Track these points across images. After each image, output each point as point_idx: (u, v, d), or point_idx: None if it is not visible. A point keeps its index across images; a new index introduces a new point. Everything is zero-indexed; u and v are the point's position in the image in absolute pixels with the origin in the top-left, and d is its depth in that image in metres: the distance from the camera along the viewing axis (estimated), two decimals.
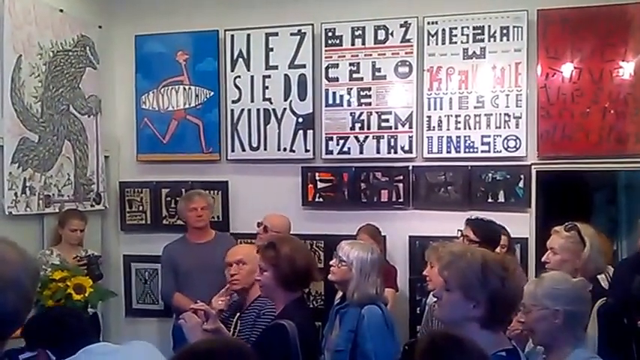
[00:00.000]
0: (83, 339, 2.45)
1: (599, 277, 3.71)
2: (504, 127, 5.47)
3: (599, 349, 3.01)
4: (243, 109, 6.02)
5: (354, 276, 3.67)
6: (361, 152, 5.76)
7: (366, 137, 5.74)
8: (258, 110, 5.98)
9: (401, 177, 5.67)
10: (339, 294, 4.04)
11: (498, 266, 2.30)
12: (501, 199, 5.47)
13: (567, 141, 5.35)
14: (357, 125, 5.76)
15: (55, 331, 2.49)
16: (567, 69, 5.35)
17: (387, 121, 5.69)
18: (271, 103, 5.95)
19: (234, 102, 6.04)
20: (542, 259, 3.66)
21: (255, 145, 6.00)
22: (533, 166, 5.43)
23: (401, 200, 5.67)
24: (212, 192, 5.97)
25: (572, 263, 3.48)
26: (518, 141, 5.43)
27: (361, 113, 5.75)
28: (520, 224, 5.31)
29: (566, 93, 5.35)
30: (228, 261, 3.93)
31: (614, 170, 6.00)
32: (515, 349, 2.35)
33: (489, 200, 5.48)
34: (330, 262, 3.86)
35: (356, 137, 5.76)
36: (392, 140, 5.69)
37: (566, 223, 3.63)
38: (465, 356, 1.90)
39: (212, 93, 6.09)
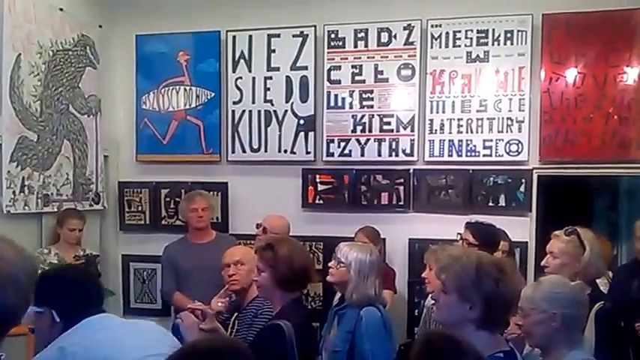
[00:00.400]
0: (91, 307, 2.46)
1: (598, 281, 3.70)
2: (507, 132, 5.45)
3: (596, 352, 3.01)
4: (244, 111, 6.00)
5: (352, 277, 3.64)
6: (362, 155, 5.74)
7: (368, 140, 5.72)
8: (259, 112, 5.96)
9: (402, 180, 5.65)
10: (338, 295, 4.01)
11: (493, 268, 2.31)
12: (502, 203, 5.45)
13: (569, 146, 5.33)
14: (359, 128, 5.74)
15: (66, 295, 2.47)
16: (571, 74, 5.33)
17: (388, 124, 5.67)
18: (272, 104, 5.93)
19: (235, 103, 6.02)
20: (542, 263, 3.64)
21: (255, 146, 5.98)
22: (534, 171, 5.41)
23: (401, 203, 5.65)
24: (212, 193, 5.93)
25: (572, 267, 3.46)
26: (520, 145, 5.41)
27: (363, 116, 5.73)
28: (520, 228, 5.30)
29: (569, 98, 5.33)
30: (226, 262, 3.93)
31: (616, 175, 5.97)
32: (513, 350, 2.34)
33: (490, 204, 5.47)
34: (329, 264, 3.84)
35: (357, 140, 5.74)
36: (393, 143, 5.67)
37: (566, 227, 3.62)
38: (462, 357, 1.88)
39: (213, 94, 6.07)
